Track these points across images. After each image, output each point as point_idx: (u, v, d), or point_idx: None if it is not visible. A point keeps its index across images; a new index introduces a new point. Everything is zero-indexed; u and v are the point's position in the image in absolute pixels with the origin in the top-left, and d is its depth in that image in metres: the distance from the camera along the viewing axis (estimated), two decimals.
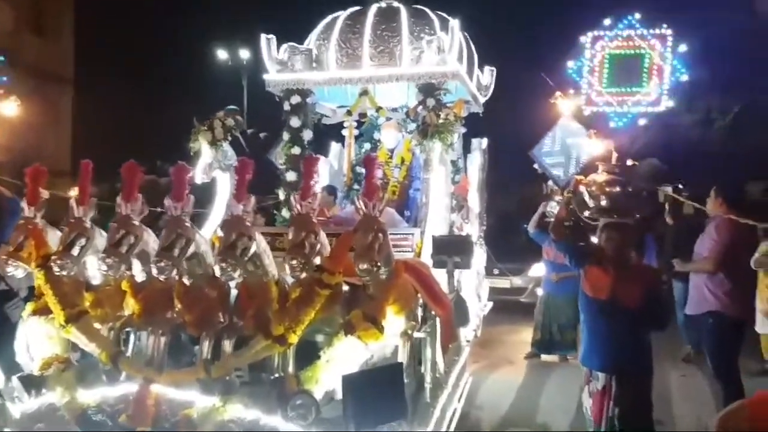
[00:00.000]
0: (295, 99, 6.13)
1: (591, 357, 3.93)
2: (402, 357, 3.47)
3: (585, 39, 4.02)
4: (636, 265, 3.97)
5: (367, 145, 6.96)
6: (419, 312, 3.78)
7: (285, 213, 6.22)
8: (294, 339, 3.13)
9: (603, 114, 4.06)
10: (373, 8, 6.24)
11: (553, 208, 8.09)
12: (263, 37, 6.05)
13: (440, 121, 5.20)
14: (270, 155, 6.71)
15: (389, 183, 6.54)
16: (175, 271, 3.30)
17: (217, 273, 3.19)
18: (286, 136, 6.22)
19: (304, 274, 3.19)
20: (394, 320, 3.31)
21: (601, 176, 3.81)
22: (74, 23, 20.11)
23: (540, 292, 8.24)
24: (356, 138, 7.08)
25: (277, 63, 6.08)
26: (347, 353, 3.15)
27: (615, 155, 3.74)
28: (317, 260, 3.28)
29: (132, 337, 3.88)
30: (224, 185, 5.51)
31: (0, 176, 5.20)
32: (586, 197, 3.95)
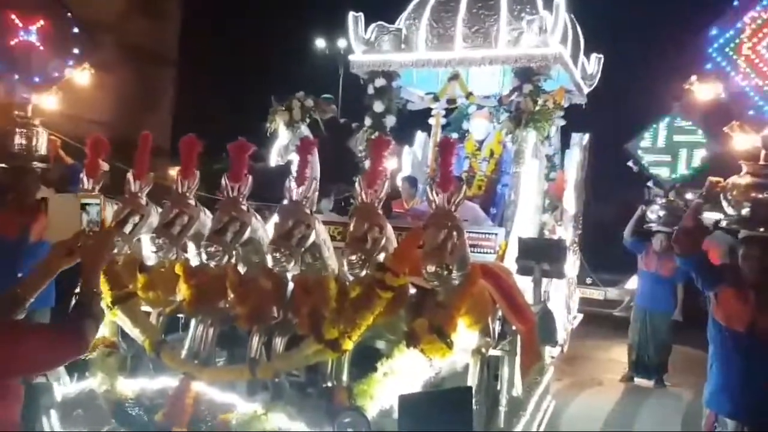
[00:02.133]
0: (380, 82, 5.73)
1: (720, 399, 3.23)
2: (472, 379, 2.97)
3: (730, 12, 3.36)
4: None
5: (454, 135, 6.47)
6: (497, 326, 3.27)
7: None
8: (349, 345, 2.73)
9: (751, 102, 3.38)
10: None
11: (654, 212, 7.29)
12: (351, 15, 5.70)
13: (537, 108, 4.63)
14: (350, 143, 6.39)
15: (476, 176, 6.05)
16: (227, 258, 2.99)
17: (269, 263, 2.84)
18: (368, 121, 5.84)
19: (364, 272, 2.77)
20: (465, 334, 2.83)
21: (744, 179, 3.06)
22: (181, 6, 20.74)
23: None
24: (443, 127, 6.61)
25: (364, 43, 5.71)
26: (408, 368, 2.71)
27: (764, 153, 3.05)
28: (381, 257, 2.86)
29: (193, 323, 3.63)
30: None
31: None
32: (724, 204, 3.21)
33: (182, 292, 3.40)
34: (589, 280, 9.30)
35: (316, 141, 3.08)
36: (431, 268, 2.68)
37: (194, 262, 3.36)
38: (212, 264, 2.98)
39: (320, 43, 21.52)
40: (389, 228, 2.93)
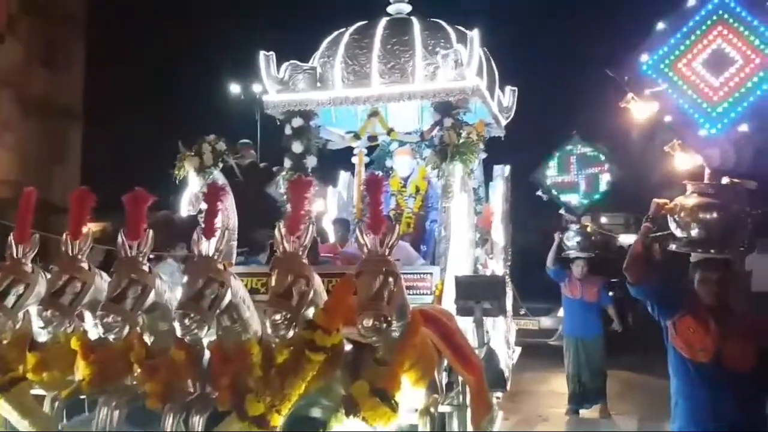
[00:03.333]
0: (297, 122, 5.47)
1: None
2: None
3: (662, 27, 3.36)
4: (741, 314, 3.10)
5: (378, 173, 6.27)
6: (443, 376, 2.98)
7: None
8: (278, 420, 2.37)
9: (690, 120, 3.36)
10: (383, 21, 5.62)
11: (570, 239, 7.33)
12: (262, 54, 5.45)
13: (461, 140, 4.50)
14: (269, 188, 6.07)
15: (403, 214, 5.84)
16: (128, 328, 2.57)
17: (178, 332, 2.44)
18: (287, 163, 5.53)
19: (291, 333, 2.43)
20: (411, 393, 2.52)
21: (690, 199, 2.96)
22: (85, 57, 19.89)
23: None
24: (367, 165, 6.41)
25: (278, 83, 5.46)
26: None
27: (708, 172, 3.00)
28: (310, 312, 2.53)
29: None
30: (219, 220, 4.80)
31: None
32: (672, 226, 3.08)
33: (81, 370, 2.94)
34: (522, 311, 9.22)
35: (225, 187, 2.75)
36: (368, 323, 2.36)
37: (93, 334, 2.92)
38: (111, 337, 2.56)
39: (235, 88, 21.14)
40: (317, 279, 2.61)
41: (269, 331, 2.47)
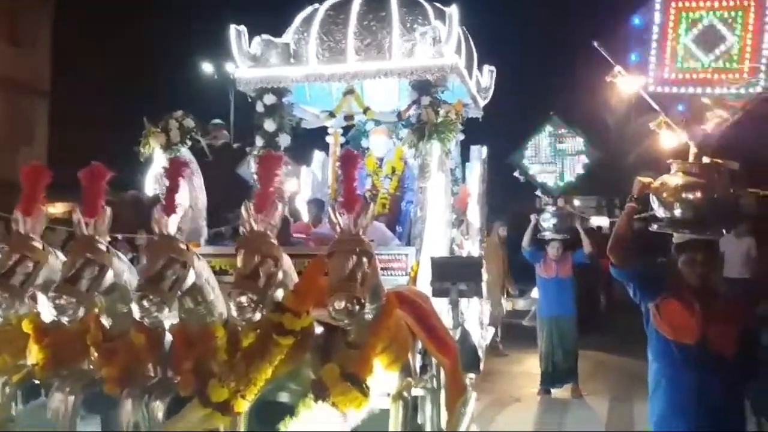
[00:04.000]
0: (270, 99, 5.27)
1: (674, 419, 2.92)
2: (394, 428, 2.55)
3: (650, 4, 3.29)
4: (723, 296, 3.06)
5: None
6: (417, 359, 2.89)
7: None
8: (242, 406, 2.25)
9: (678, 96, 3.28)
10: None
11: (546, 221, 7.35)
12: (233, 28, 5.22)
13: (439, 119, 4.38)
14: (239, 170, 5.87)
15: (379, 194, 5.73)
16: (83, 310, 2.42)
17: (135, 314, 2.30)
18: (259, 141, 5.34)
19: (258, 316, 2.30)
20: (383, 377, 2.43)
21: (675, 178, 2.88)
22: (52, 34, 19.20)
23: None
24: (342, 145, 6.26)
25: (249, 58, 5.24)
26: (318, 426, 2.25)
27: (693, 151, 2.93)
28: (279, 294, 2.40)
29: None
30: (182, 197, 4.62)
31: None
32: (655, 205, 3.01)
33: (34, 354, 2.79)
34: None
35: (190, 163, 2.60)
36: (340, 305, 2.24)
37: (47, 317, 2.75)
38: (65, 319, 2.41)
39: (208, 67, 20.66)
40: (287, 260, 2.49)
41: (234, 313, 2.34)
